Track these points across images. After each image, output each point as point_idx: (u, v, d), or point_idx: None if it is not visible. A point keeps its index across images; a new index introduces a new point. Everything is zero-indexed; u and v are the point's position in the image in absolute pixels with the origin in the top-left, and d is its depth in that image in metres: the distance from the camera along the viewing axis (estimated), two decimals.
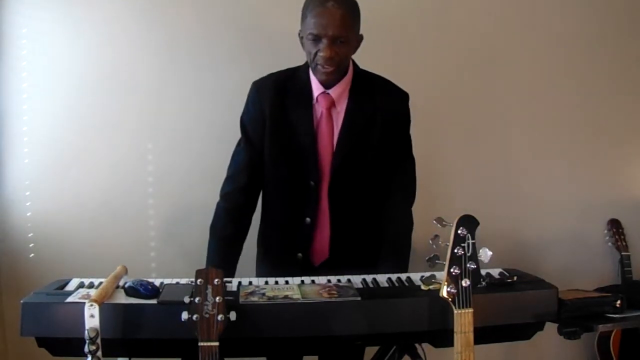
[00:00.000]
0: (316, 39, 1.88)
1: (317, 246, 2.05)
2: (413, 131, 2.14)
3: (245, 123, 2.08)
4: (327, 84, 1.98)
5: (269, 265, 2.11)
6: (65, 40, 2.54)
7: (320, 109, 2.01)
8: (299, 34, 1.99)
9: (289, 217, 2.05)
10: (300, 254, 2.04)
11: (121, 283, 1.68)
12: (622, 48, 2.89)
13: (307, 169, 2.01)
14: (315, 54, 1.90)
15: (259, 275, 2.10)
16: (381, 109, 2.02)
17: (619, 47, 2.88)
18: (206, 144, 2.57)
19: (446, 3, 2.76)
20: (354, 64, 2.06)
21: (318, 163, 2.00)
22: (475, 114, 2.79)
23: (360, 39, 1.99)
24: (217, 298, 1.49)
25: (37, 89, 2.54)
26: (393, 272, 1.87)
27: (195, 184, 2.57)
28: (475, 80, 2.78)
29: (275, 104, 2.00)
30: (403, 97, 2.09)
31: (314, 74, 1.98)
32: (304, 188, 2.01)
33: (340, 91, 2.00)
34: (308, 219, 2.02)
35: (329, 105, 2.00)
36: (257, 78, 2.09)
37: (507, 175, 2.83)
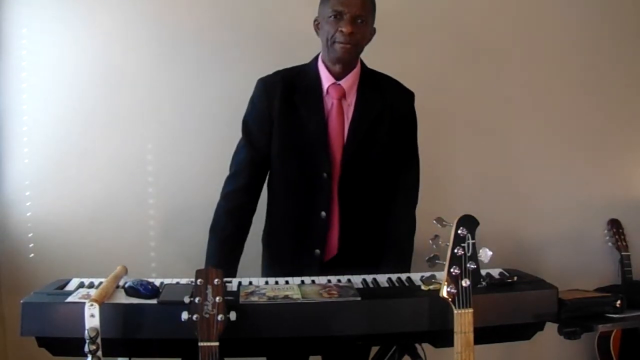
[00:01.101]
0: (337, 16, 1.91)
1: (328, 242, 2.04)
2: None
3: (248, 121, 2.07)
4: (338, 74, 1.99)
5: (281, 264, 2.06)
6: (65, 40, 2.54)
7: (330, 100, 2.01)
8: (315, 21, 2.02)
9: (304, 212, 2.03)
10: (317, 250, 2.01)
11: (121, 283, 1.68)
12: (623, 48, 2.89)
13: (319, 161, 2.00)
14: (335, 32, 1.92)
15: (268, 276, 2.04)
16: (389, 107, 2.04)
17: (620, 48, 2.89)
18: (207, 143, 2.57)
19: (451, 1, 2.75)
20: (362, 61, 2.07)
21: (330, 154, 2.00)
22: (474, 114, 2.79)
23: (373, 31, 2.02)
24: (217, 298, 1.49)
25: (37, 89, 2.54)
26: (395, 272, 1.86)
27: (195, 184, 2.57)
28: (475, 80, 2.78)
29: (285, 99, 2.00)
30: (410, 96, 2.11)
31: (329, 55, 1.98)
32: (317, 181, 2.00)
33: (350, 82, 2.01)
34: (323, 213, 2.01)
35: (340, 96, 2.01)
36: (258, 77, 2.08)
37: (507, 175, 2.83)
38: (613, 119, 2.90)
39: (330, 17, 1.93)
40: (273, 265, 2.11)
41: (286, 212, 2.09)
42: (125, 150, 2.59)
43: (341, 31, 1.91)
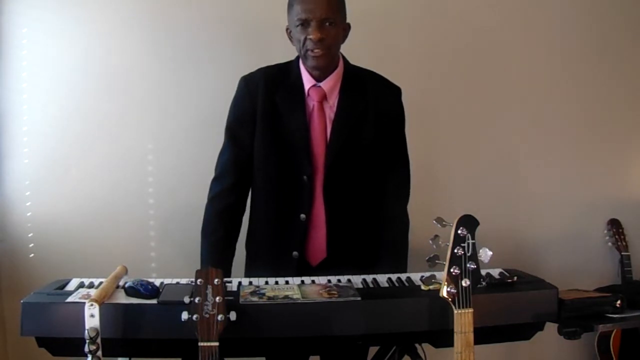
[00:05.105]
0: (304, 23, 1.89)
1: (313, 245, 2.02)
2: (411, 129, 2.14)
3: (231, 120, 2.06)
4: (318, 76, 1.98)
5: (261, 266, 2.05)
6: (65, 41, 2.54)
7: (312, 102, 2.00)
8: (287, 29, 2.00)
9: (282, 214, 2.02)
10: (296, 253, 1.99)
11: (121, 283, 1.68)
12: (623, 48, 2.89)
13: (299, 164, 1.98)
14: (305, 39, 1.90)
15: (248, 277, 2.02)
16: (373, 105, 2.02)
17: (619, 47, 2.89)
18: (206, 143, 2.54)
19: None
20: (345, 59, 2.05)
21: (311, 157, 1.98)
22: (475, 114, 2.79)
23: (347, 27, 2.00)
24: (217, 298, 1.49)
25: (37, 89, 2.54)
26: (392, 273, 1.86)
27: (195, 184, 2.55)
28: (474, 79, 2.78)
29: (267, 98, 1.99)
30: (396, 92, 2.09)
31: (305, 62, 1.97)
32: (297, 183, 1.99)
33: (331, 84, 1.99)
34: (303, 216, 1.99)
35: (321, 98, 1.99)
36: None
37: (507, 175, 2.84)
38: (613, 119, 2.90)
39: (298, 25, 1.91)
40: (251, 266, 2.11)
41: (266, 213, 2.07)
42: (126, 150, 2.59)
43: (310, 39, 1.89)
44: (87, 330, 1.44)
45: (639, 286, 2.72)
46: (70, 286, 1.73)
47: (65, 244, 2.54)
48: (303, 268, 1.98)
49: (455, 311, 1.55)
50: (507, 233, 2.78)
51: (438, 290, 1.57)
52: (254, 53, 2.56)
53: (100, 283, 1.66)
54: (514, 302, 1.72)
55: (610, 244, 2.86)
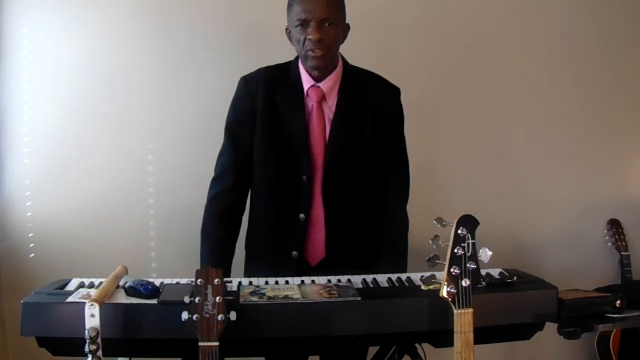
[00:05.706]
0: (304, 24, 1.90)
1: (312, 245, 2.02)
2: (411, 129, 2.14)
3: (230, 120, 2.07)
4: (317, 76, 1.98)
5: (260, 266, 2.05)
6: (65, 41, 2.54)
7: (311, 102, 2.00)
8: (286, 30, 2.00)
9: (282, 214, 2.02)
10: (295, 252, 2.00)
11: (121, 283, 1.68)
12: (623, 48, 2.89)
13: (299, 164, 1.99)
14: (304, 40, 1.91)
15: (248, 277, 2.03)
16: (372, 105, 2.02)
17: (619, 47, 2.89)
18: (206, 143, 2.54)
19: None
20: (344, 59, 2.05)
21: (310, 157, 1.98)
22: (475, 114, 2.79)
23: (347, 27, 2.00)
24: (217, 298, 1.49)
25: (37, 89, 2.54)
26: (392, 273, 1.86)
27: (195, 184, 2.55)
28: (474, 78, 2.78)
29: (266, 98, 1.99)
30: (395, 92, 2.09)
31: (304, 63, 1.97)
32: (296, 183, 1.99)
33: (330, 85, 2.00)
34: (302, 215, 1.99)
35: (320, 98, 1.99)
36: None
37: (507, 175, 2.84)
38: (613, 119, 2.90)
39: (297, 25, 1.91)
40: (251, 266, 2.11)
41: (265, 212, 2.07)
42: (126, 151, 2.59)
43: (309, 39, 1.89)
44: (87, 330, 1.44)
45: (638, 286, 2.72)
46: (71, 286, 1.74)
47: (65, 244, 2.55)
48: (302, 268, 1.99)
49: (455, 311, 1.55)
50: (507, 233, 2.78)
51: (438, 290, 1.57)
52: (254, 53, 2.56)
53: (100, 283, 1.66)
54: (514, 302, 1.72)
55: (610, 244, 2.86)
